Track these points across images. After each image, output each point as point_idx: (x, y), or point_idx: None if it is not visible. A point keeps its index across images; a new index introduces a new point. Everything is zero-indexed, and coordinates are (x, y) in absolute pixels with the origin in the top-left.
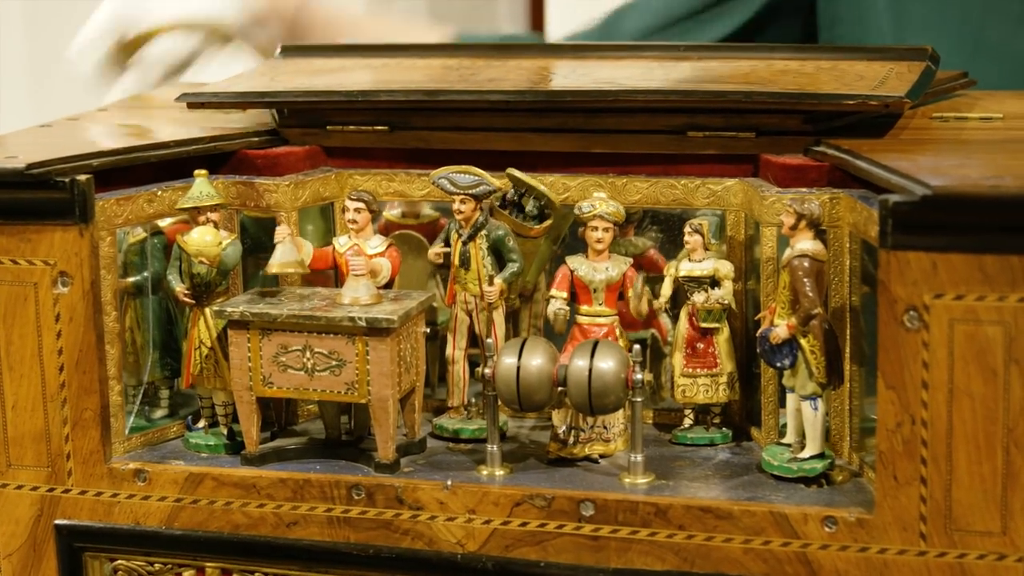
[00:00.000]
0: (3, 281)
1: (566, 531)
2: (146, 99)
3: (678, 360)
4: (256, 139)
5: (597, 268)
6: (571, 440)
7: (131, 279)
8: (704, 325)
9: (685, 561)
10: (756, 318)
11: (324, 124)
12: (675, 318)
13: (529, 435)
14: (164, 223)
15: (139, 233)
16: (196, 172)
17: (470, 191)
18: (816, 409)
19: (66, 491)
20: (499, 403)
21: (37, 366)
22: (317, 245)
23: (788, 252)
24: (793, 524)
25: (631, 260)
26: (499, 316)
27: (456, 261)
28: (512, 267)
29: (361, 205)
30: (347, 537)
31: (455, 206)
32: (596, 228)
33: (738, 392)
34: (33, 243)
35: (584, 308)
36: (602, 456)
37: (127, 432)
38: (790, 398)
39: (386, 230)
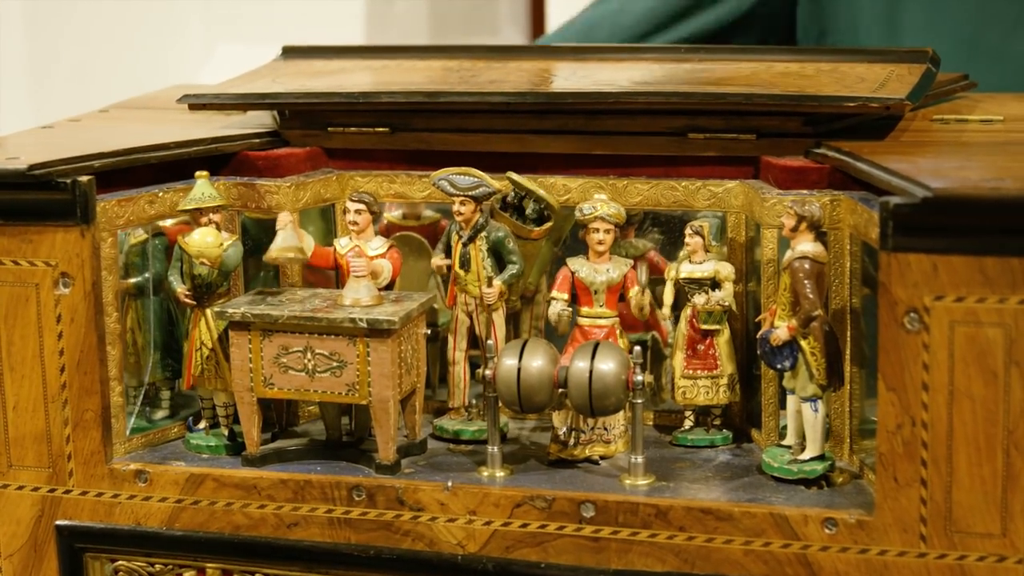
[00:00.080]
0: (4, 282)
1: (567, 532)
2: (147, 100)
3: (679, 362)
4: (257, 140)
5: (598, 270)
6: (572, 441)
7: (132, 280)
8: (705, 327)
9: (685, 562)
10: (756, 320)
11: (325, 126)
12: (675, 320)
13: (530, 436)
14: (166, 223)
15: (140, 234)
16: (197, 173)
17: (470, 193)
18: (816, 411)
19: (67, 492)
20: (500, 404)
21: (38, 367)
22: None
23: (789, 254)
24: (793, 526)
25: (632, 262)
26: (499, 317)
27: (456, 263)
28: (512, 269)
29: (362, 206)
30: (348, 538)
31: (455, 208)
32: (597, 230)
33: (738, 394)
34: (34, 244)
35: (585, 310)
36: (603, 457)
37: (128, 433)
38: (790, 400)
39: (387, 232)
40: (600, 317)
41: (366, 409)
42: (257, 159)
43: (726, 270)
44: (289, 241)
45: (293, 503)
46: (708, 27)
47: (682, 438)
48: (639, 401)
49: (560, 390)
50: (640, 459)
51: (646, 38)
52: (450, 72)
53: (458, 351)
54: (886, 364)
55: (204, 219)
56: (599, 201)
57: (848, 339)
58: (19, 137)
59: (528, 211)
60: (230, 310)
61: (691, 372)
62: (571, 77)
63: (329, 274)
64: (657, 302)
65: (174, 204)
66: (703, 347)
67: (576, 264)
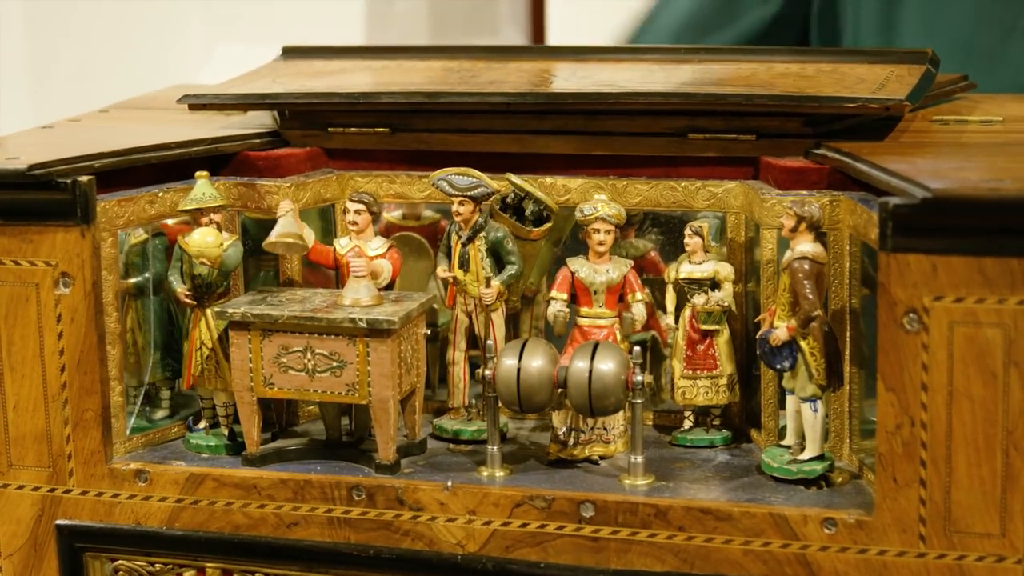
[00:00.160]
0: (5, 282)
1: (566, 532)
2: (147, 100)
3: (678, 362)
4: (257, 141)
5: (598, 270)
6: (571, 441)
7: (132, 280)
8: (704, 327)
9: (685, 562)
10: (756, 320)
11: (325, 126)
12: (675, 320)
13: (529, 436)
14: (168, 222)
15: (140, 234)
16: (197, 174)
17: (468, 193)
18: (816, 411)
19: (67, 491)
20: (499, 404)
21: (38, 367)
22: None
23: (788, 254)
24: (793, 526)
25: (631, 262)
26: (498, 318)
27: (455, 263)
28: (511, 269)
29: (362, 207)
30: (347, 538)
31: (454, 208)
32: (598, 230)
33: (738, 394)
34: (35, 244)
35: (584, 310)
36: (602, 457)
37: (128, 433)
38: (790, 400)
39: (387, 232)
40: (600, 317)
41: (366, 409)
42: (257, 159)
43: (725, 270)
44: (289, 228)
45: (293, 503)
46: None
47: (681, 438)
48: (638, 401)
49: (560, 390)
50: (640, 459)
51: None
52: (450, 72)
53: (458, 351)
54: (885, 364)
55: (204, 219)
56: (599, 202)
57: (847, 339)
58: (19, 137)
59: (527, 212)
60: (230, 310)
61: (691, 372)
62: (571, 78)
63: (329, 274)
64: (658, 306)
65: (174, 204)
66: (703, 347)
67: (576, 264)
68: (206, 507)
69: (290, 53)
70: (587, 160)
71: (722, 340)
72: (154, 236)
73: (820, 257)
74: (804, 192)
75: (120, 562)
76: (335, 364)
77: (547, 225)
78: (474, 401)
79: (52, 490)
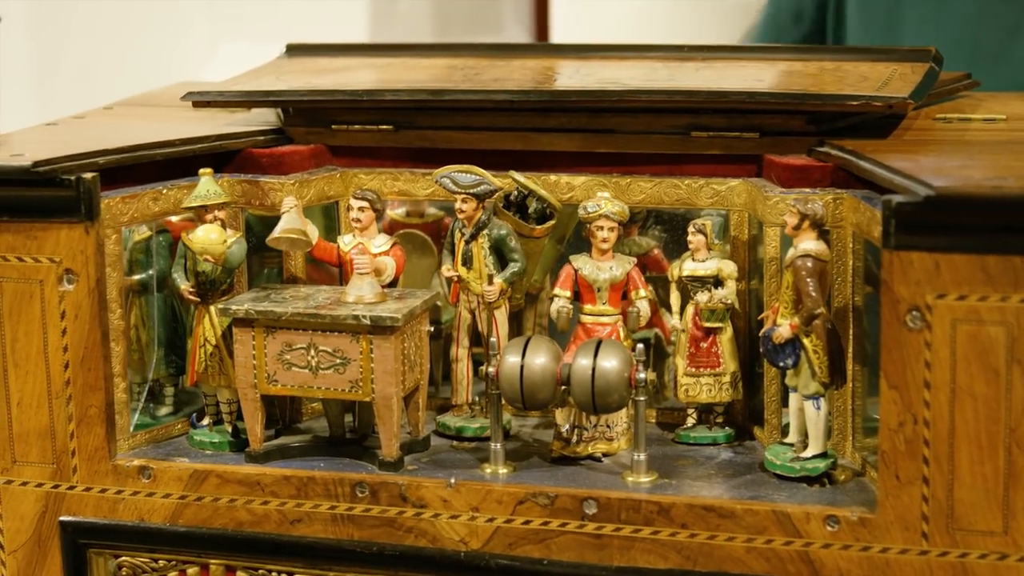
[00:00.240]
0: (9, 278)
1: (569, 529)
2: (152, 97)
3: (681, 359)
4: (261, 138)
5: (601, 267)
6: (574, 439)
7: (136, 277)
8: (707, 325)
9: (688, 560)
10: (759, 318)
11: (329, 123)
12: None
13: (532, 434)
14: (172, 219)
15: (144, 231)
16: (201, 171)
17: (471, 190)
18: (819, 408)
19: (71, 488)
20: (503, 401)
21: (42, 363)
22: None
23: (791, 252)
24: (795, 523)
25: (635, 259)
26: (502, 315)
27: (459, 260)
28: (513, 267)
29: (365, 204)
30: (351, 534)
31: (457, 205)
32: (601, 228)
33: (741, 391)
34: (39, 240)
35: (588, 307)
36: (605, 455)
37: (132, 429)
38: (793, 397)
39: (390, 229)
40: (603, 315)
41: (369, 406)
42: (261, 156)
43: (729, 268)
44: (293, 224)
45: (296, 499)
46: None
47: (685, 436)
48: (642, 399)
49: (563, 387)
50: (643, 456)
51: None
52: (454, 70)
53: (461, 348)
54: (888, 362)
55: (208, 216)
56: (603, 199)
57: (850, 337)
58: (23, 134)
59: (531, 209)
60: (234, 307)
61: (694, 370)
62: (575, 75)
63: (333, 271)
64: (662, 304)
65: (178, 201)
66: (706, 345)
67: (579, 262)
68: (210, 504)
69: (294, 50)
70: (591, 157)
71: (725, 338)
72: (158, 233)
73: (823, 255)
74: (807, 190)
75: (124, 558)
76: (339, 361)
77: (550, 223)
78: (477, 398)
79: (56, 486)
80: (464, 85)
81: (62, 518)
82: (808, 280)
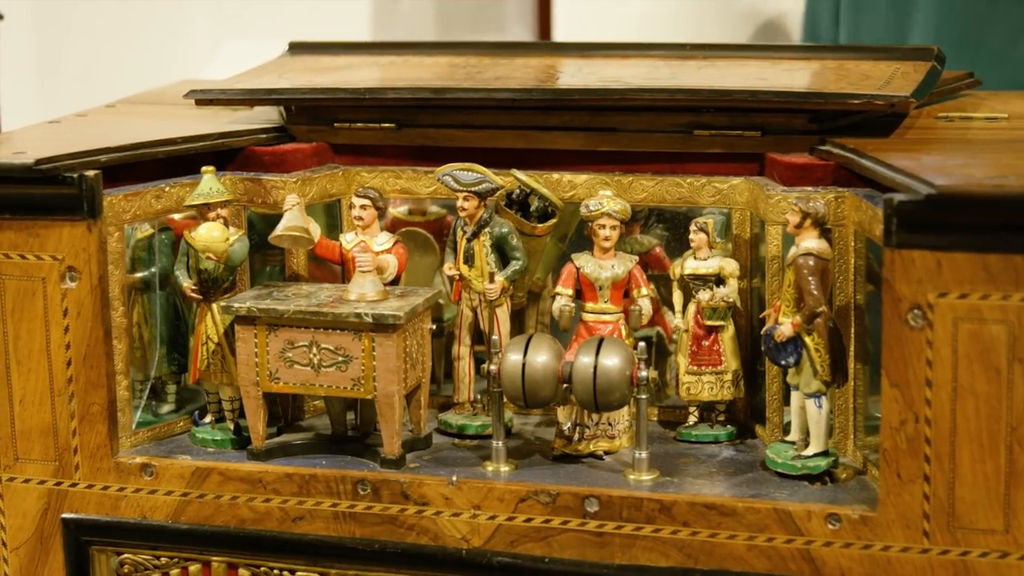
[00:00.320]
0: (12, 276)
1: (571, 527)
2: (154, 96)
3: (683, 358)
4: (264, 136)
5: (603, 266)
6: (576, 437)
7: (139, 274)
8: (709, 323)
9: (689, 557)
10: (761, 316)
11: (331, 121)
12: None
13: (534, 431)
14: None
15: (147, 229)
16: (204, 168)
17: (473, 189)
18: (820, 407)
19: (73, 485)
20: (504, 399)
21: (45, 361)
22: None
23: (793, 250)
24: (797, 521)
25: (637, 258)
26: (503, 313)
27: (460, 258)
28: (515, 265)
29: (367, 202)
30: (352, 532)
31: (458, 203)
32: (603, 226)
33: (742, 390)
34: (41, 238)
35: (590, 306)
36: (607, 453)
37: (134, 427)
38: (794, 396)
39: (393, 227)
40: (605, 313)
41: (371, 404)
42: (263, 154)
43: (730, 266)
44: (295, 221)
45: (298, 497)
46: None
47: (686, 434)
48: (643, 397)
49: (564, 385)
50: (644, 454)
51: None
52: (456, 68)
53: (463, 346)
54: (890, 360)
55: (211, 214)
56: (605, 197)
57: (852, 335)
58: (26, 132)
59: (532, 208)
60: (236, 304)
61: (695, 368)
62: (577, 74)
63: (335, 269)
64: (664, 303)
65: (181, 199)
66: (707, 343)
67: (581, 260)
68: (212, 501)
69: (296, 49)
70: (593, 156)
71: (727, 336)
72: (160, 231)
73: (825, 253)
74: (809, 188)
75: (126, 556)
76: (341, 359)
77: (552, 221)
78: (479, 396)
79: (58, 484)
80: (466, 83)
81: (64, 515)
82: (810, 278)
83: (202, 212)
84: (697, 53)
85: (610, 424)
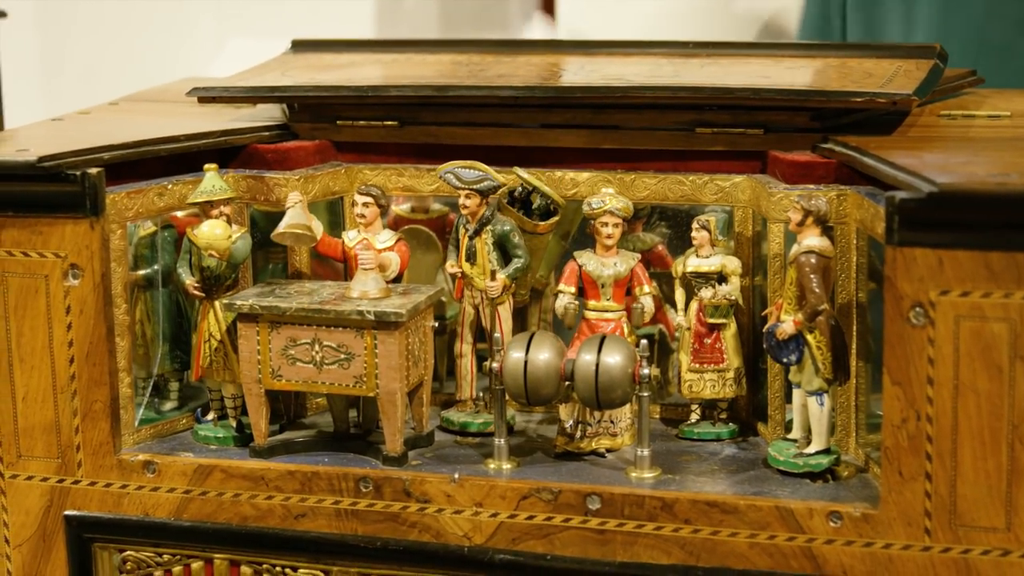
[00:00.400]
0: (14, 273)
1: (572, 524)
2: (157, 93)
3: (685, 355)
4: (266, 133)
5: (605, 263)
6: (578, 434)
7: (141, 272)
8: (711, 321)
9: (691, 555)
10: (763, 314)
11: (334, 119)
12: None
13: (536, 429)
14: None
15: (149, 226)
16: (206, 166)
17: (474, 186)
18: (822, 405)
19: (76, 482)
20: (507, 397)
21: (47, 358)
22: None
23: (795, 248)
24: (798, 519)
25: (639, 256)
26: (505, 311)
27: (462, 256)
28: (517, 263)
29: (370, 200)
30: (355, 529)
31: (460, 201)
32: (606, 224)
33: (744, 387)
34: (44, 236)
35: (592, 303)
36: (609, 450)
37: (136, 424)
38: (796, 394)
39: (395, 225)
40: (607, 311)
41: (373, 401)
42: (266, 152)
43: (733, 264)
44: (298, 219)
45: (300, 494)
46: None
47: (688, 431)
48: (645, 394)
49: (567, 383)
50: (646, 452)
51: None
52: (459, 66)
53: (465, 344)
54: (891, 358)
55: (213, 211)
56: (607, 195)
57: (854, 333)
58: (29, 129)
59: (534, 205)
60: (238, 302)
61: (697, 366)
62: (579, 71)
63: (337, 267)
64: (667, 300)
65: (183, 196)
66: (709, 341)
67: (583, 258)
68: (214, 498)
69: (299, 46)
70: (595, 154)
71: (729, 334)
72: (163, 228)
73: (827, 251)
74: (811, 186)
75: (128, 553)
76: (343, 356)
77: (554, 219)
78: (481, 394)
79: (61, 481)
80: (469, 81)
81: (67, 512)
82: (812, 276)
83: (205, 210)
84: (700, 51)
85: (612, 422)
